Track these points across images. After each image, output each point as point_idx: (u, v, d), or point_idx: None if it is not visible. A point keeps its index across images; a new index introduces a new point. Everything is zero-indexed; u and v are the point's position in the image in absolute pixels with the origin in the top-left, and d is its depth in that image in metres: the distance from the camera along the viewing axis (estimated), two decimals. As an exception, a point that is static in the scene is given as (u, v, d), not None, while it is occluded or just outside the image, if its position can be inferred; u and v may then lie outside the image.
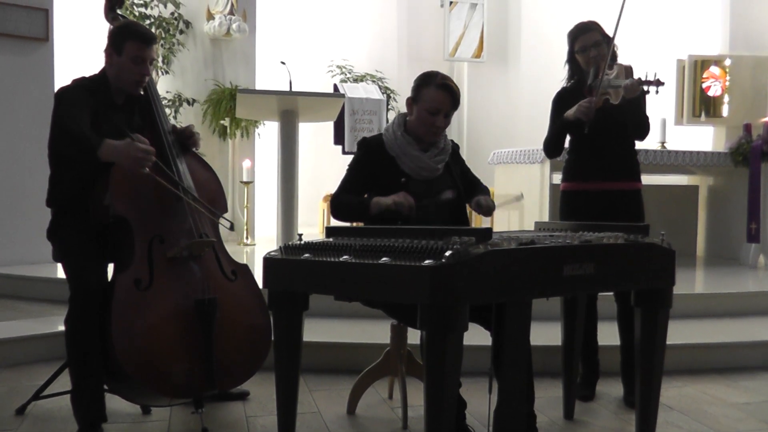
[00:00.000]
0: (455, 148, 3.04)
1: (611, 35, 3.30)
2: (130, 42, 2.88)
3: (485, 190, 3.03)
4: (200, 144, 3.14)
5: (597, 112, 3.23)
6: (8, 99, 5.48)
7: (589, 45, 3.32)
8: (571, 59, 3.44)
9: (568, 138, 3.47)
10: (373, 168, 2.86)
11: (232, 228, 3.05)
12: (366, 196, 2.85)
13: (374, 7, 9.57)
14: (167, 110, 7.02)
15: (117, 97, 2.95)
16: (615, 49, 3.33)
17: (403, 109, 3.01)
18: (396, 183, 2.81)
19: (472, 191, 3.02)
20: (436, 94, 2.80)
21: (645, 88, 3.19)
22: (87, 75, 2.98)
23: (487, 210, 2.85)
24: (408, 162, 2.84)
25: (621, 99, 3.23)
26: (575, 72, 3.45)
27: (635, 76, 3.24)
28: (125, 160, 2.69)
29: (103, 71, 2.95)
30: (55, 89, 3.03)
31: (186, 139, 3.06)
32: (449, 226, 2.53)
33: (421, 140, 2.87)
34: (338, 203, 2.87)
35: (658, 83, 3.18)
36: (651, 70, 3.23)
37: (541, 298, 2.31)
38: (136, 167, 2.70)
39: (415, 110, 2.86)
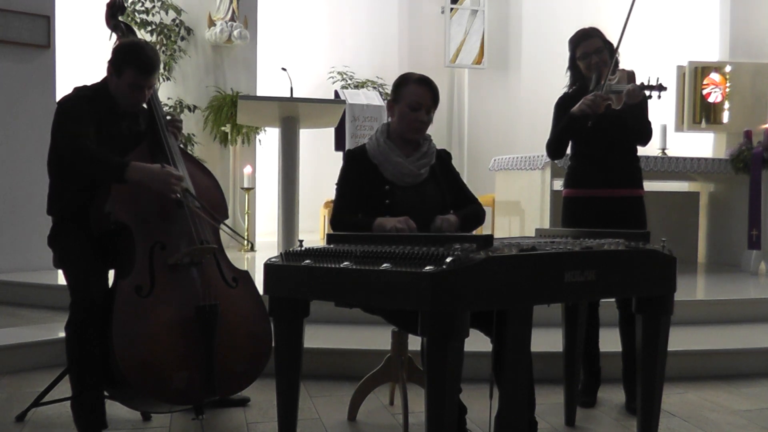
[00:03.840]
0: (445, 156, 3.00)
1: (616, 44, 3.30)
2: (130, 69, 2.84)
3: (475, 209, 2.92)
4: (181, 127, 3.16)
5: (599, 117, 3.24)
6: (10, 106, 5.48)
7: (591, 51, 3.33)
8: (573, 66, 3.44)
9: (569, 144, 3.47)
10: (358, 178, 2.84)
11: (252, 248, 3.16)
12: (360, 215, 2.81)
13: (375, 14, 9.60)
14: (168, 117, 7.02)
15: (118, 105, 2.95)
16: (617, 56, 3.33)
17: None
18: (380, 191, 2.80)
19: (459, 204, 2.94)
20: (416, 89, 2.81)
21: (648, 93, 3.19)
22: (89, 83, 2.97)
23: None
24: (390, 168, 2.82)
25: (623, 104, 3.23)
26: (577, 78, 3.45)
27: (637, 82, 3.24)
28: (157, 183, 2.76)
29: (104, 80, 2.95)
30: (57, 96, 3.04)
31: (175, 123, 3.09)
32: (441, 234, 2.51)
33: (404, 144, 2.86)
34: (338, 224, 2.80)
35: (660, 88, 3.18)
36: (653, 75, 3.24)
37: (542, 305, 2.30)
38: (168, 192, 2.78)
39: (397, 110, 2.85)
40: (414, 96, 2.81)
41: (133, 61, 2.85)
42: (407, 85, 2.84)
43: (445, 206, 2.90)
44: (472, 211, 2.93)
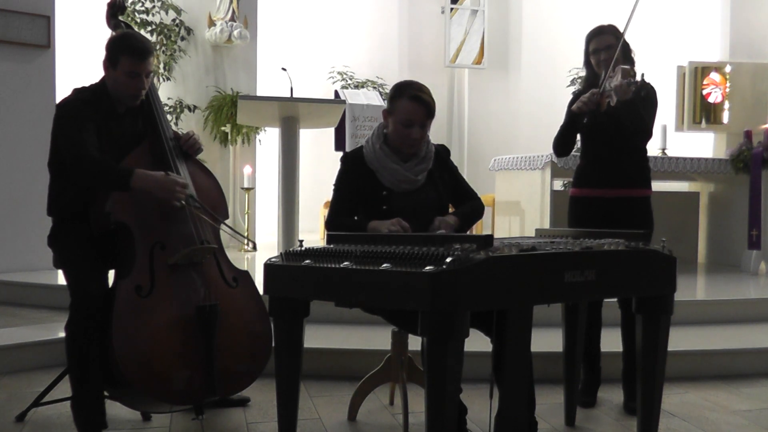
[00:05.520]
0: (444, 153, 2.98)
1: (620, 43, 3.30)
2: (124, 57, 2.84)
3: (474, 205, 2.95)
4: (202, 148, 3.13)
5: (603, 116, 3.23)
6: (10, 106, 5.48)
7: (601, 48, 3.32)
8: (588, 62, 3.44)
9: (578, 144, 3.46)
10: (356, 182, 2.83)
11: (254, 248, 3.17)
12: (356, 218, 2.82)
13: (375, 14, 9.60)
14: (168, 116, 7.02)
15: (119, 106, 2.94)
16: (632, 54, 3.32)
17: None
18: (378, 196, 2.79)
19: (458, 199, 2.97)
20: (408, 106, 2.75)
21: (630, 87, 3.16)
22: (87, 85, 2.96)
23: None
24: (387, 175, 2.80)
25: (616, 101, 3.21)
26: (590, 74, 3.45)
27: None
28: (162, 192, 2.77)
29: (102, 80, 2.94)
30: (57, 96, 3.03)
31: (188, 147, 3.05)
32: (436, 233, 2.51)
33: (400, 151, 2.84)
34: (333, 228, 2.80)
35: (643, 84, 3.15)
36: (640, 72, 3.23)
37: (542, 305, 2.30)
38: (172, 200, 2.79)
39: (391, 122, 2.82)
40: (405, 113, 2.76)
41: (126, 48, 2.86)
42: (401, 100, 2.78)
43: (442, 210, 2.90)
44: (471, 208, 2.95)
